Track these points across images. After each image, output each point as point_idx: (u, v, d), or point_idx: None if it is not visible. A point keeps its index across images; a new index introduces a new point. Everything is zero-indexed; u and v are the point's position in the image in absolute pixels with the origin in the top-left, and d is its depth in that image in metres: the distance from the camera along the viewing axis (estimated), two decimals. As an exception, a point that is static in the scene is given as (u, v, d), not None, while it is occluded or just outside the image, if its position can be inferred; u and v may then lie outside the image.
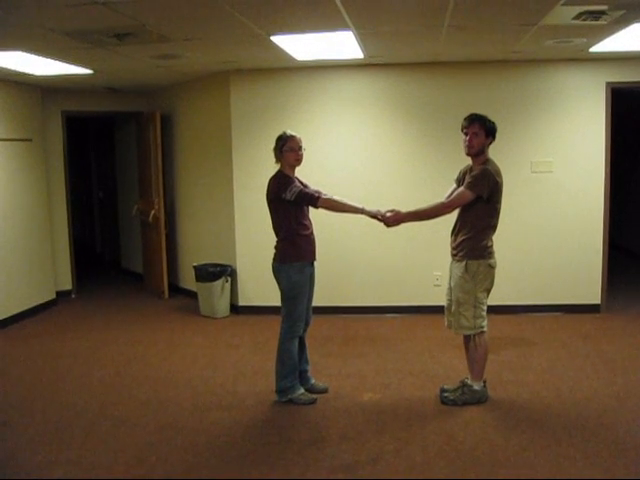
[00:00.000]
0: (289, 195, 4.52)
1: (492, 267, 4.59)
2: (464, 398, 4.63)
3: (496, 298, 7.01)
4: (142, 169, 8.74)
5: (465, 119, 4.56)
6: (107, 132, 10.51)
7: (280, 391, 4.77)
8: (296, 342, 4.80)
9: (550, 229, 7.07)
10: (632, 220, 10.18)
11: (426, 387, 5.01)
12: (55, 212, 8.32)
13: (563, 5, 4.23)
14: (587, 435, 4.08)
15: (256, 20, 4.62)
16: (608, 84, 6.81)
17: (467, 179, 4.50)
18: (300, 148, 4.65)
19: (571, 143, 6.96)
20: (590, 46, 5.85)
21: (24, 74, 6.60)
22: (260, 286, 7.40)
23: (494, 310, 6.92)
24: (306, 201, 4.61)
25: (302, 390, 4.81)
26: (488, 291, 4.63)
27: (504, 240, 7.04)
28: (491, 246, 4.60)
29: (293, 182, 4.60)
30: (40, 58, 5.73)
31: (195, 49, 5.70)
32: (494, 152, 7.25)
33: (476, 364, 4.65)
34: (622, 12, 4.42)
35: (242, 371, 5.51)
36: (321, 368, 5.46)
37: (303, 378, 4.93)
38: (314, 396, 4.81)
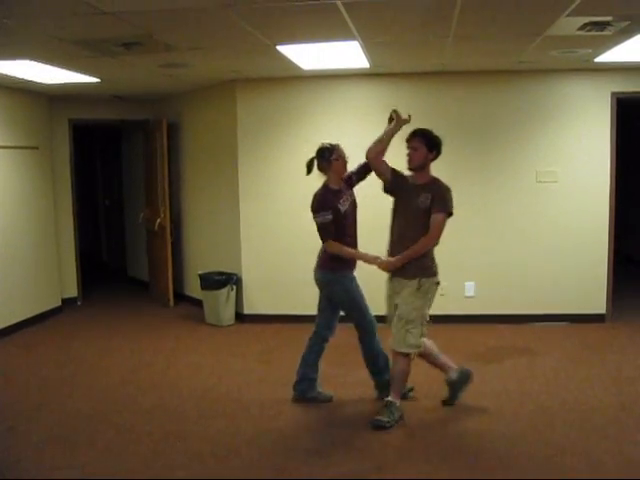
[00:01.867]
0: (317, 219, 4.60)
1: (438, 284, 4.60)
2: (396, 416, 4.49)
3: (501, 307, 7.07)
4: (148, 177, 8.78)
5: (410, 133, 4.59)
6: (114, 140, 10.56)
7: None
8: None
9: (555, 238, 7.06)
10: (638, 229, 10.16)
11: (430, 395, 5.00)
12: (61, 220, 8.35)
13: (568, 16, 4.25)
14: (592, 445, 4.06)
15: (262, 30, 4.65)
16: (613, 94, 6.82)
17: (433, 202, 4.44)
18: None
19: (576, 153, 6.96)
20: (595, 56, 5.86)
21: (32, 82, 6.64)
22: (265, 295, 7.42)
23: (499, 319, 6.96)
24: (320, 234, 4.65)
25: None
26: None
27: (509, 249, 7.09)
28: (436, 264, 4.60)
29: (329, 206, 4.60)
30: (48, 66, 5.77)
31: (202, 58, 5.73)
32: (500, 161, 7.28)
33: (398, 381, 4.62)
34: (627, 23, 4.44)
35: (247, 379, 5.52)
36: (327, 376, 5.45)
37: (310, 386, 4.93)
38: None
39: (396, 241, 4.60)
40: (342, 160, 4.71)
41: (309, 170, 4.74)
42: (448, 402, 4.78)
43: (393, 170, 4.67)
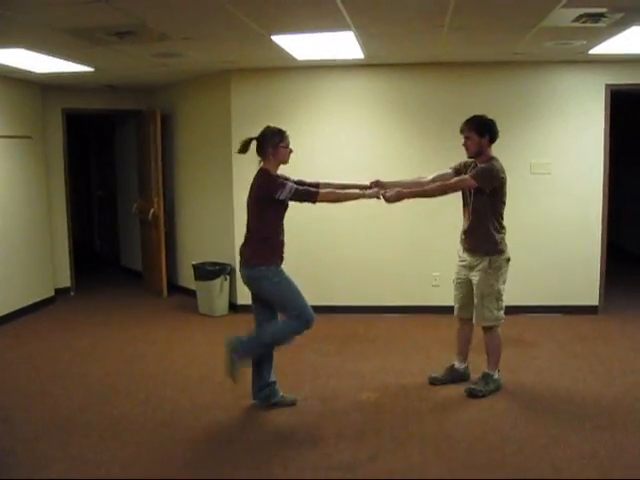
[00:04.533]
0: (284, 194, 4.33)
1: (509, 260, 4.83)
2: (490, 388, 4.79)
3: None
4: (142, 167, 8.75)
5: (462, 123, 4.78)
6: (107, 130, 10.52)
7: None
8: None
9: (548, 230, 7.08)
10: (630, 221, 10.20)
11: (424, 387, 5.02)
12: (54, 209, 8.33)
13: (563, 7, 4.25)
14: (585, 436, 4.08)
15: (257, 19, 4.63)
16: (607, 86, 6.83)
17: (474, 170, 4.69)
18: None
19: (570, 144, 6.97)
20: (590, 48, 5.86)
21: (25, 71, 6.61)
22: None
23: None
24: (305, 198, 4.44)
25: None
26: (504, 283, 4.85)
27: (503, 241, 7.09)
28: (505, 240, 4.83)
29: (285, 180, 4.46)
30: (41, 55, 5.74)
31: (196, 48, 5.71)
32: (494, 152, 7.29)
33: (494, 355, 4.89)
34: (621, 15, 4.44)
35: (241, 370, 5.51)
36: (319, 368, 5.48)
37: (272, 391, 4.74)
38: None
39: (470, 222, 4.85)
40: (288, 149, 4.50)
41: (244, 150, 4.54)
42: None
43: (456, 170, 4.93)
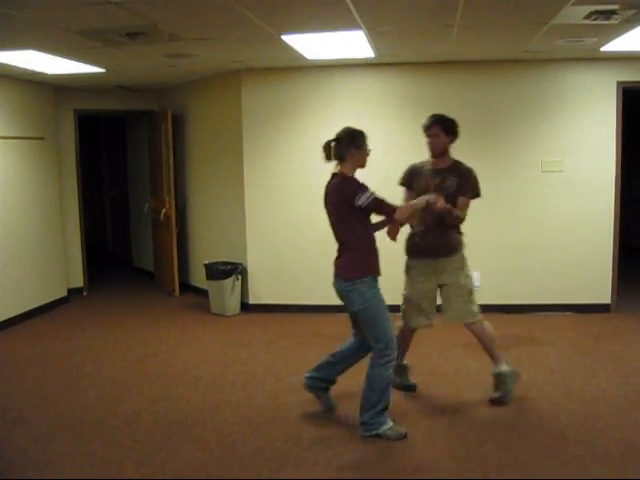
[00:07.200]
0: (363, 200, 4.01)
1: None
2: (508, 387, 4.63)
3: (506, 297, 7.07)
4: (153, 167, 8.79)
5: (426, 121, 4.65)
6: (119, 131, 10.58)
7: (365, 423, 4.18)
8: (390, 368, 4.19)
9: (560, 228, 7.05)
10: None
11: (435, 386, 5.02)
12: (67, 210, 8.37)
13: (573, 5, 4.23)
14: (596, 435, 4.07)
15: (267, 19, 4.64)
16: (619, 83, 6.79)
17: (460, 187, 4.56)
18: None
19: (582, 142, 6.94)
20: (601, 45, 5.83)
21: (37, 73, 6.65)
22: (270, 284, 7.44)
23: (504, 309, 6.96)
24: (384, 208, 4.12)
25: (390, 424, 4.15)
26: None
27: (514, 239, 7.09)
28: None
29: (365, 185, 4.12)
30: (53, 57, 5.77)
31: (206, 48, 5.73)
32: (505, 151, 7.25)
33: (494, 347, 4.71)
34: (633, 11, 4.41)
35: (252, 369, 5.54)
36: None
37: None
38: (403, 430, 4.15)
39: (433, 225, 4.57)
40: (366, 154, 4.29)
41: (329, 156, 4.26)
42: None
43: (409, 175, 4.87)
